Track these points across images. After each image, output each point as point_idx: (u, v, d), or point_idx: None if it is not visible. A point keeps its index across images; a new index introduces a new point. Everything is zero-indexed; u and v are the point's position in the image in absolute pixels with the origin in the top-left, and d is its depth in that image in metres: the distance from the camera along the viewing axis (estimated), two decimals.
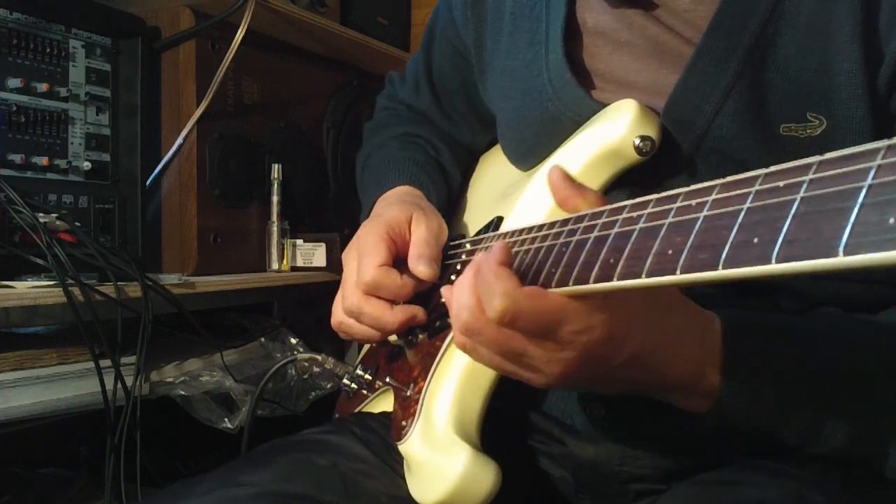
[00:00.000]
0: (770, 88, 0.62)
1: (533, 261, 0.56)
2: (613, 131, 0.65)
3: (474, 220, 0.91)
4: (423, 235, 0.76)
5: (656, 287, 0.53)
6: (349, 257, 0.79)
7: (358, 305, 0.74)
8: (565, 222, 0.54)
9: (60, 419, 0.94)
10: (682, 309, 0.57)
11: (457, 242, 0.82)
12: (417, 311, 0.74)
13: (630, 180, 0.67)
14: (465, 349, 0.58)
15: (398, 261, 0.76)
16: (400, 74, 1.08)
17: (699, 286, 0.39)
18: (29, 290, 0.84)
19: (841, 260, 0.30)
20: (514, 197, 0.78)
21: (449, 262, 0.80)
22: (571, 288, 0.49)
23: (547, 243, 0.55)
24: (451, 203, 0.95)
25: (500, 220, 0.82)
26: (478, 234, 0.85)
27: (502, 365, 0.56)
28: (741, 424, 0.58)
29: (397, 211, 0.79)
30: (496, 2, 0.83)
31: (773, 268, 0.33)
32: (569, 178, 0.57)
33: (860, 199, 0.30)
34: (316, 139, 1.40)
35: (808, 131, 0.60)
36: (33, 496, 1.13)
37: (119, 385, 0.93)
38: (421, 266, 0.73)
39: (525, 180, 0.79)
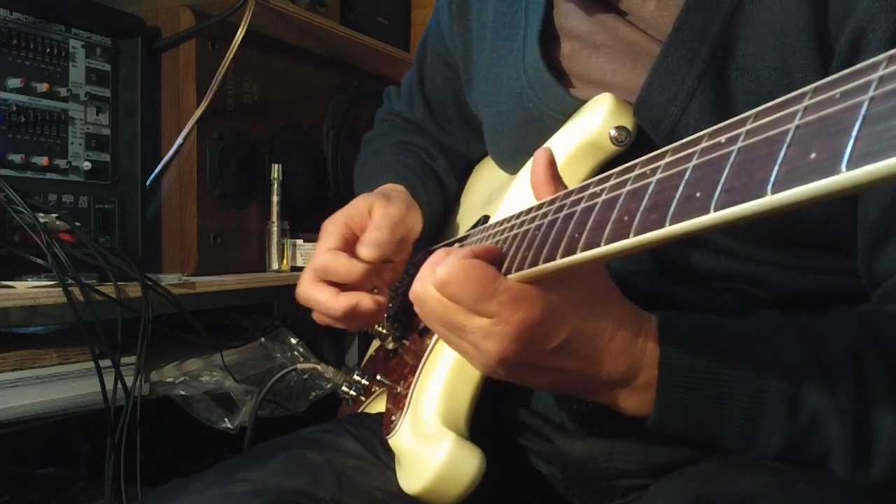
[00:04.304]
0: (733, 88, 0.63)
1: (507, 249, 0.58)
2: (591, 124, 0.67)
3: (465, 223, 0.93)
4: (377, 221, 0.78)
5: (597, 276, 0.56)
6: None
7: (305, 292, 0.77)
8: (540, 206, 0.56)
9: (60, 419, 0.94)
10: (620, 304, 0.58)
11: (446, 242, 0.83)
12: (362, 298, 0.75)
13: None
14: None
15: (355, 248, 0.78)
16: (396, 89, 1.11)
17: (650, 249, 0.41)
18: (29, 290, 0.85)
19: (769, 199, 0.31)
20: (501, 198, 0.80)
21: None
22: (527, 271, 0.52)
23: (523, 229, 0.57)
24: (447, 207, 0.97)
25: (486, 219, 0.84)
26: (466, 233, 0.86)
27: (450, 340, 0.59)
28: (679, 426, 0.59)
29: (361, 201, 0.82)
30: (480, 13, 0.85)
31: (713, 216, 0.34)
32: (549, 167, 0.59)
33: (787, 141, 0.32)
34: (316, 139, 1.40)
35: None
36: (33, 496, 1.13)
37: (119, 385, 0.93)
38: (363, 248, 0.76)
39: (511, 182, 0.80)
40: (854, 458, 0.56)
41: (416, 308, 0.60)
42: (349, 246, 0.77)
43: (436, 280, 0.54)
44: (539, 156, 0.59)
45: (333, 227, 0.78)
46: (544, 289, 0.54)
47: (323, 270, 0.76)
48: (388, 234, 0.78)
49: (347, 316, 0.75)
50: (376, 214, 0.79)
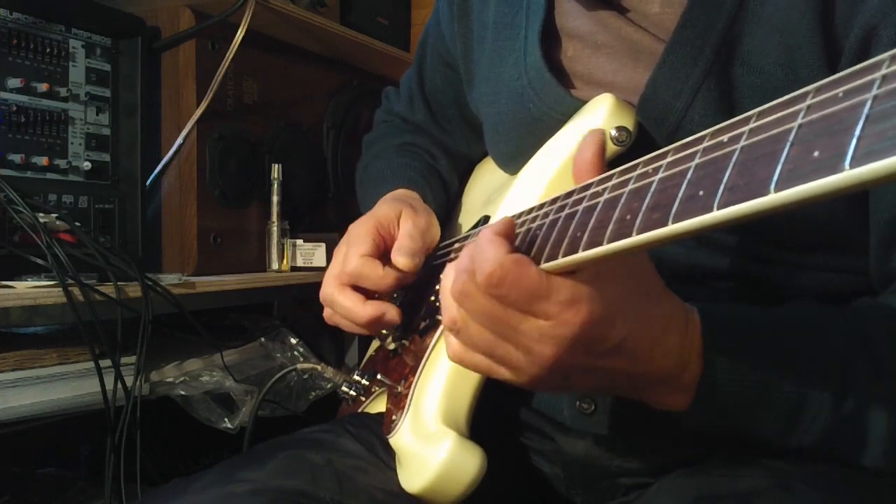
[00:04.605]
0: (738, 84, 0.63)
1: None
2: (591, 124, 0.67)
3: (466, 223, 0.93)
4: (407, 230, 0.78)
5: (638, 267, 0.55)
6: (338, 251, 0.81)
7: (331, 296, 0.77)
8: (541, 206, 0.56)
9: (60, 419, 0.94)
10: (667, 298, 0.56)
11: (447, 243, 0.83)
12: (388, 309, 0.75)
13: None
14: (455, 328, 0.55)
15: (385, 255, 0.78)
16: (395, 90, 1.11)
17: (656, 248, 0.41)
18: (29, 290, 0.85)
19: (773, 197, 0.31)
20: (502, 198, 0.80)
21: (439, 262, 0.81)
22: (545, 265, 0.50)
23: (524, 228, 0.56)
24: (449, 207, 0.97)
25: (487, 219, 0.85)
26: (466, 233, 0.86)
27: (493, 346, 0.53)
28: (719, 420, 0.58)
29: (387, 208, 0.81)
30: (481, 14, 0.85)
31: (715, 215, 0.34)
32: (600, 151, 0.55)
33: (790, 139, 0.32)
34: (316, 139, 1.40)
35: None
36: (33, 496, 1.13)
37: (119, 385, 0.93)
38: (400, 257, 0.75)
39: (511, 182, 0.80)
40: (891, 451, 0.56)
41: (454, 306, 0.54)
42: (380, 252, 0.77)
43: (484, 277, 0.49)
44: (592, 136, 0.55)
45: (365, 232, 0.77)
46: (596, 284, 0.50)
47: (356, 276, 0.75)
48: (421, 244, 0.78)
49: (371, 324, 0.75)
50: (406, 223, 0.79)
